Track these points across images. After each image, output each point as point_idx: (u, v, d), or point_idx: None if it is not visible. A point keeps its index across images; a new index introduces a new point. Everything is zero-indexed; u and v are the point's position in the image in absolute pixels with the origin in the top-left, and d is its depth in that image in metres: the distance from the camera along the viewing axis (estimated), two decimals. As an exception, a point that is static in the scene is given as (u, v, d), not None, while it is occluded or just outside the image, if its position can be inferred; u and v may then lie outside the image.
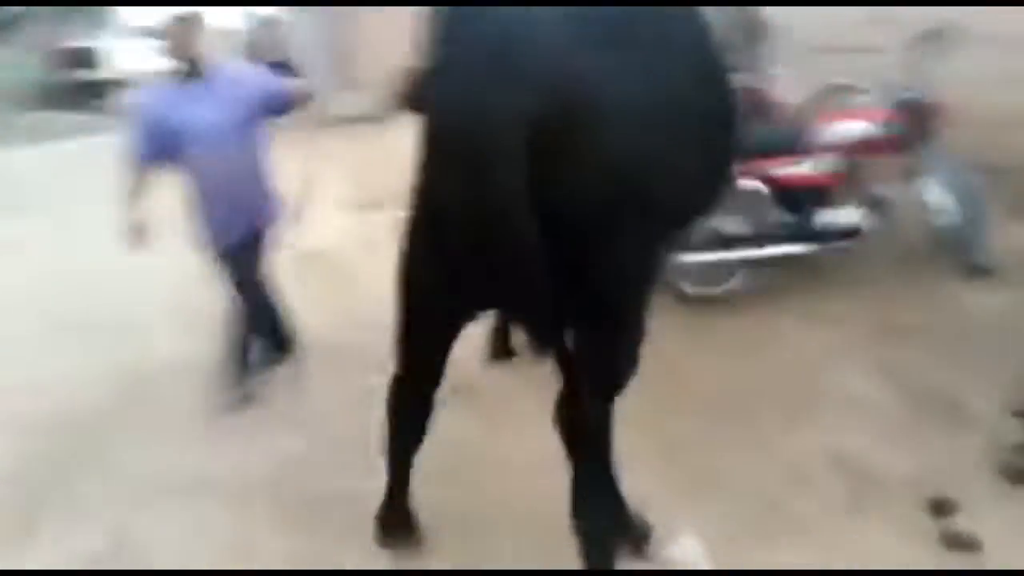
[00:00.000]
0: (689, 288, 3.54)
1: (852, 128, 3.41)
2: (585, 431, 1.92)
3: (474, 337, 2.64)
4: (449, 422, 2.30)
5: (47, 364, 3.53)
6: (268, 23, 10.89)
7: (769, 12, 4.69)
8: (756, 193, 3.49)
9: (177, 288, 4.05)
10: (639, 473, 2.19)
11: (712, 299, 3.56)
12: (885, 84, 3.57)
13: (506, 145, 1.45)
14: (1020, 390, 2.64)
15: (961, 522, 2.13)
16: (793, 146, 3.43)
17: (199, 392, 3.14)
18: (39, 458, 2.88)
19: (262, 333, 3.18)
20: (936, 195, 3.49)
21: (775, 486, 2.37)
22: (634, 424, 2.05)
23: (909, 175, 3.57)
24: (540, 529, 2.12)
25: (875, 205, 3.49)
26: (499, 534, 2.22)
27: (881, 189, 3.53)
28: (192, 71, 2.82)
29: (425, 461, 2.15)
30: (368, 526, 2.24)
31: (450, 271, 1.71)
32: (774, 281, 3.60)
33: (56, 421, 3.09)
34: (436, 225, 1.71)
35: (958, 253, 3.50)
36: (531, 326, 1.69)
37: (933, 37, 3.43)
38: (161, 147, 2.82)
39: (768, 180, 3.47)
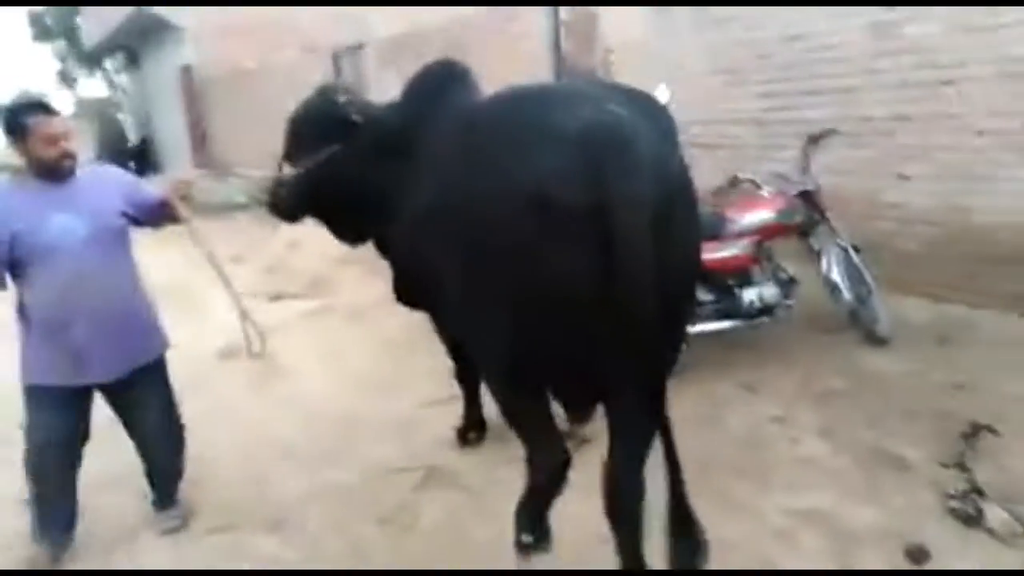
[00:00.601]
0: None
1: (762, 215, 3.82)
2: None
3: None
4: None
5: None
6: (100, 108, 10.64)
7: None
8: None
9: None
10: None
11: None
12: (779, 176, 4.06)
13: (644, 227, 1.65)
14: (941, 442, 3.00)
15: (936, 565, 2.36)
16: (715, 232, 3.77)
17: None
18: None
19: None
20: (833, 272, 3.96)
21: (764, 545, 2.52)
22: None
23: (808, 255, 4.05)
24: None
25: (785, 283, 3.89)
26: None
27: (787, 269, 3.95)
28: (49, 171, 2.58)
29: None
30: None
31: (563, 352, 1.88)
32: (709, 356, 3.86)
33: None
34: (553, 311, 1.79)
35: (857, 323, 3.96)
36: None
37: (818, 137, 3.99)
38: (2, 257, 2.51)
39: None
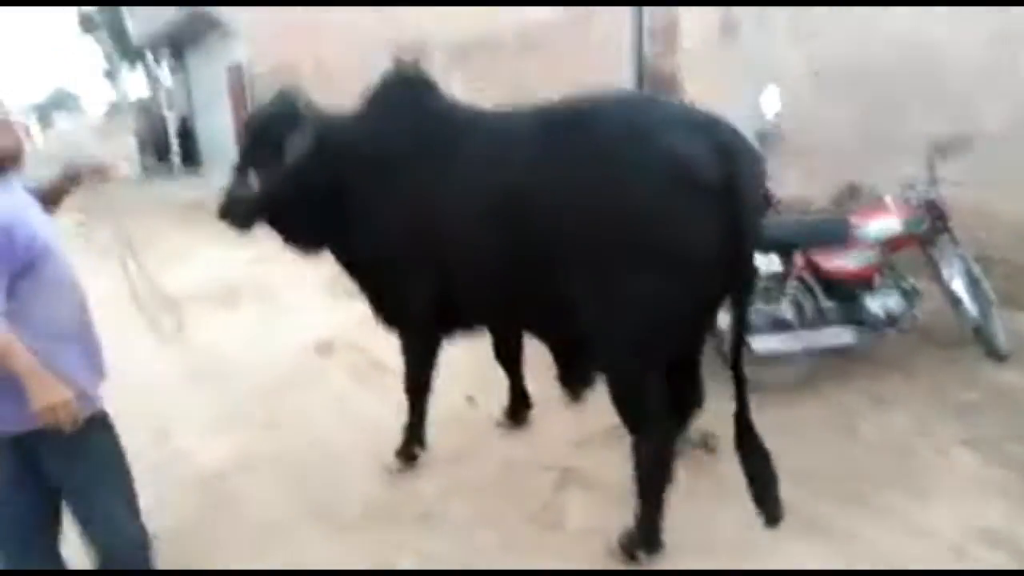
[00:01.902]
0: (751, 374, 3.69)
1: (889, 224, 3.78)
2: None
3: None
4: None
5: None
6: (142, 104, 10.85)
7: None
8: (808, 283, 3.76)
9: None
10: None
11: (776, 386, 3.73)
12: (905, 184, 4.01)
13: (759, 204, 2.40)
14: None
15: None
16: (840, 239, 3.74)
17: None
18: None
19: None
20: (955, 284, 3.91)
21: (943, 563, 2.48)
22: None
23: (927, 266, 4.00)
24: None
25: (909, 294, 3.84)
26: None
27: (910, 280, 3.91)
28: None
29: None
30: None
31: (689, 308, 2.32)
32: (830, 367, 3.82)
33: None
34: (687, 274, 2.20)
35: (980, 337, 3.90)
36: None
37: (946, 146, 3.93)
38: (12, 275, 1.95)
39: (818, 270, 3.76)
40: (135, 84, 25.37)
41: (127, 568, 2.21)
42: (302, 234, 3.20)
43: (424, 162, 2.77)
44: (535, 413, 3.78)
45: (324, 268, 4.81)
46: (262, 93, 15.60)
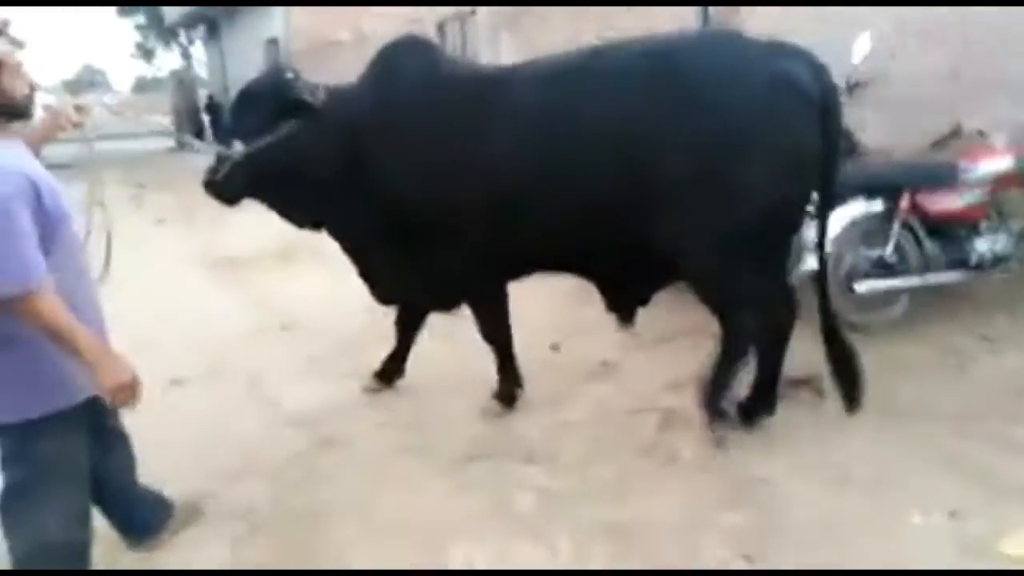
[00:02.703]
0: (855, 316, 3.61)
1: (998, 164, 3.64)
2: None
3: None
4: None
5: None
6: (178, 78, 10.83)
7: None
8: (912, 224, 3.64)
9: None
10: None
11: (881, 326, 3.65)
12: (1013, 125, 3.86)
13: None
14: None
15: None
16: (947, 181, 3.60)
17: None
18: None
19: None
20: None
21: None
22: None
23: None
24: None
25: (1016, 235, 3.71)
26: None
27: (1018, 221, 3.77)
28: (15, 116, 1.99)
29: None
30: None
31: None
32: (937, 307, 3.72)
33: None
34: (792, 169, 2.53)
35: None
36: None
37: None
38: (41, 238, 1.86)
39: (923, 212, 3.64)
40: (170, 61, 25.56)
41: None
42: (299, 208, 3.14)
43: (468, 121, 2.80)
44: (617, 361, 3.71)
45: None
46: (302, 67, 15.53)
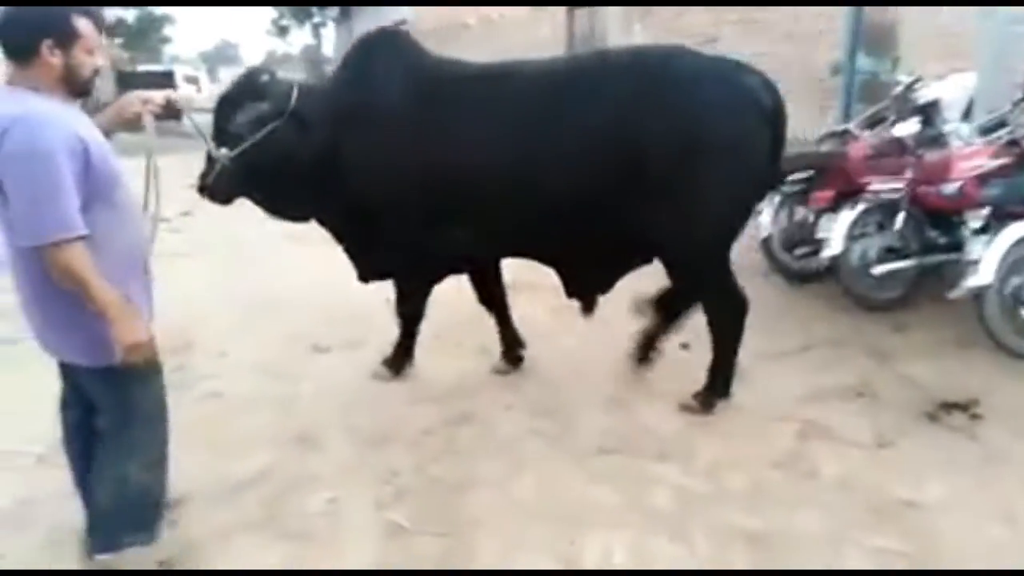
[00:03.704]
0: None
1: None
2: None
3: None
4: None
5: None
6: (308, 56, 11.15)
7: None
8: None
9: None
10: None
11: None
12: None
13: None
14: None
15: None
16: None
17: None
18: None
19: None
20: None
21: None
22: None
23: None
24: None
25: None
26: None
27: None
28: (79, 93, 2.02)
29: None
30: None
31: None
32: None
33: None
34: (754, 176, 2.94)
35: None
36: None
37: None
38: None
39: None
40: (302, 39, 26.72)
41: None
42: (293, 201, 3.27)
43: (450, 114, 2.99)
44: (750, 367, 3.63)
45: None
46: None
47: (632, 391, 3.45)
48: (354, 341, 4.10)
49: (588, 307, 3.42)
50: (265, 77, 3.16)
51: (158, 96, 2.29)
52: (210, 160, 3.10)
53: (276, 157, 3.04)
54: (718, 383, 3.20)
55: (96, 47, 1.99)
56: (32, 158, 1.79)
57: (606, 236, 2.98)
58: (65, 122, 1.87)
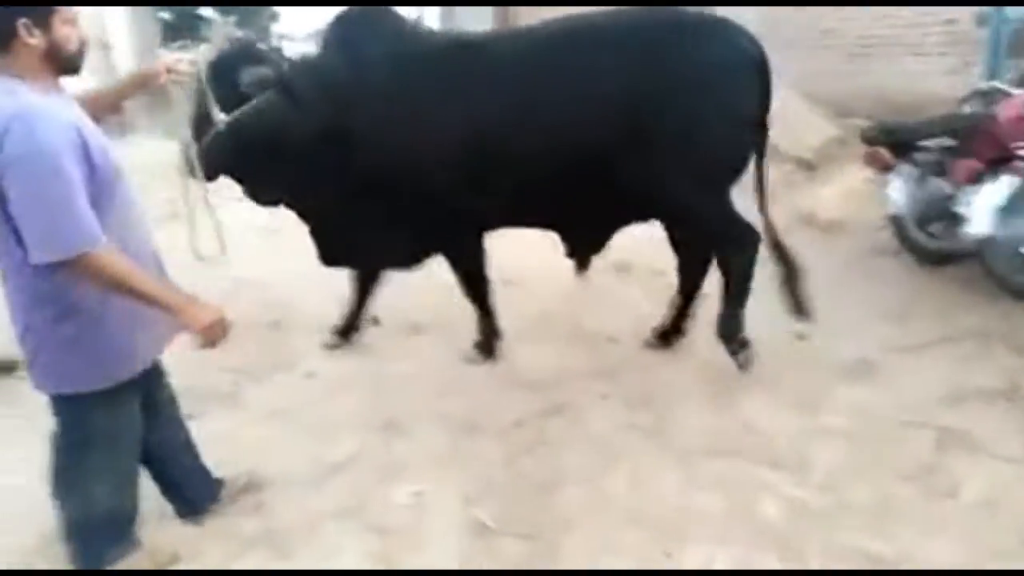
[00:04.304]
0: None
1: None
2: None
3: None
4: None
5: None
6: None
7: None
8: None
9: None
10: None
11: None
12: None
13: None
14: None
15: None
16: None
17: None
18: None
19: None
20: None
21: None
22: None
23: None
24: None
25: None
26: None
27: None
28: (67, 70, 1.89)
29: None
30: None
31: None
32: None
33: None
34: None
35: None
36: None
37: None
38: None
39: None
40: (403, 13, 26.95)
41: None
42: (271, 182, 3.16)
43: (452, 80, 2.98)
44: (880, 361, 3.28)
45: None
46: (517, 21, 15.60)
47: (742, 385, 3.16)
48: (449, 321, 4.01)
49: (584, 265, 3.52)
50: (256, 50, 3.07)
51: (183, 64, 2.21)
52: (199, 129, 2.84)
53: (268, 128, 2.95)
54: (731, 324, 3.17)
55: (75, 17, 1.83)
56: (37, 160, 1.66)
57: (611, 194, 3.04)
58: (62, 115, 1.76)
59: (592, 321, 3.95)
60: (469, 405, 3.12)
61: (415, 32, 3.20)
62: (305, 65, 3.15)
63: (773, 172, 6.05)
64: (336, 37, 3.14)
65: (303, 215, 3.36)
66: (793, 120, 6.12)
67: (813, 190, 5.75)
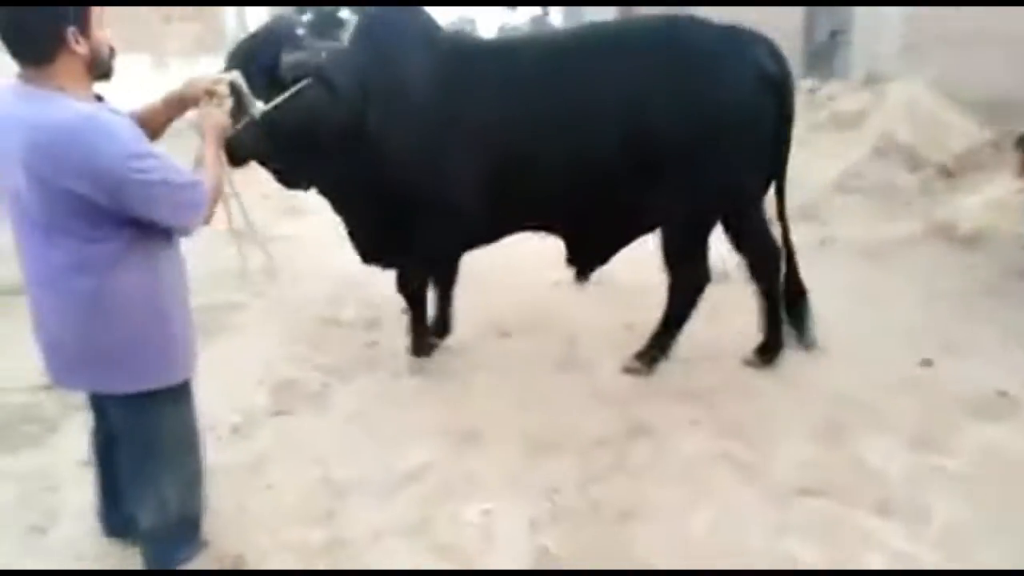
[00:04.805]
0: None
1: None
2: None
3: None
4: None
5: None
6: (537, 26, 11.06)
7: None
8: None
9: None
10: None
11: None
12: None
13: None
14: None
15: None
16: None
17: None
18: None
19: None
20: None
21: None
22: None
23: None
24: None
25: None
26: None
27: None
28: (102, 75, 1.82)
29: None
30: None
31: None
32: None
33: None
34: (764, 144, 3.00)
35: None
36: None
37: None
38: None
39: None
40: (532, 11, 27.08)
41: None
42: (305, 167, 3.09)
43: (477, 84, 2.99)
44: (1021, 394, 2.86)
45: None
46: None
47: (851, 415, 2.85)
48: (535, 326, 3.90)
49: (585, 276, 3.48)
50: (300, 31, 2.96)
51: (222, 86, 2.15)
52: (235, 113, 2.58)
53: (303, 118, 2.86)
54: (655, 348, 3.28)
55: (102, 17, 1.75)
56: (133, 159, 1.66)
57: (622, 205, 3.04)
58: (113, 109, 1.76)
59: (686, 334, 3.70)
60: (548, 420, 2.99)
61: (446, 35, 3.21)
62: (343, 56, 3.05)
63: (908, 178, 5.59)
64: (367, 33, 3.09)
65: (335, 207, 3.35)
66: (929, 122, 5.55)
67: (954, 199, 5.20)
